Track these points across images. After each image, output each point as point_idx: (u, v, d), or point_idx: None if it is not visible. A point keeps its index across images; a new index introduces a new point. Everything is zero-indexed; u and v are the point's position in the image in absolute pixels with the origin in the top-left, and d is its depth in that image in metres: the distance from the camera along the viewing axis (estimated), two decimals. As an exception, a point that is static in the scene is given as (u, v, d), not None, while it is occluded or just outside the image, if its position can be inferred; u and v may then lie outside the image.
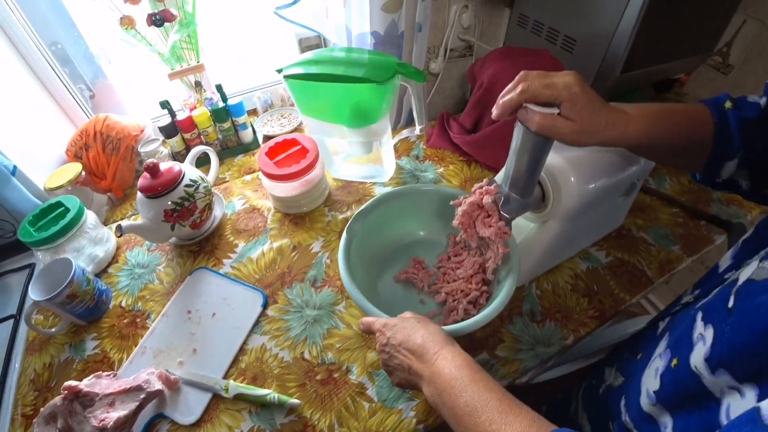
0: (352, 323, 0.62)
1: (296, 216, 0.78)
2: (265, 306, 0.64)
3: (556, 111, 0.40)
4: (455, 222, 0.56)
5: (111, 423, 0.49)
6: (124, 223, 0.63)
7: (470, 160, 0.88)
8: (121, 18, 0.74)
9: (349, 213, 0.78)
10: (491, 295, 0.60)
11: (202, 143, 0.93)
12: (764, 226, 0.40)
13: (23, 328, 0.65)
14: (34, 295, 0.57)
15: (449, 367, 0.38)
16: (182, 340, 0.61)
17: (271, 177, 0.72)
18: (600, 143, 0.42)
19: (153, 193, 0.64)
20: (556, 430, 0.30)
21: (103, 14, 0.75)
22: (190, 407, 0.55)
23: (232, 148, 0.96)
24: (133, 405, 0.51)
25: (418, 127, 0.76)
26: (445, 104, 1.08)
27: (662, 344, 0.38)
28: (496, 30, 0.96)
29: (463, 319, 0.58)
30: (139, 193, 0.66)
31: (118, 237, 0.61)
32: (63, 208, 0.67)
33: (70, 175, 0.75)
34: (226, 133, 0.94)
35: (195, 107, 0.90)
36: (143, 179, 0.65)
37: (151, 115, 0.97)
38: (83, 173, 0.78)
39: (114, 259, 0.73)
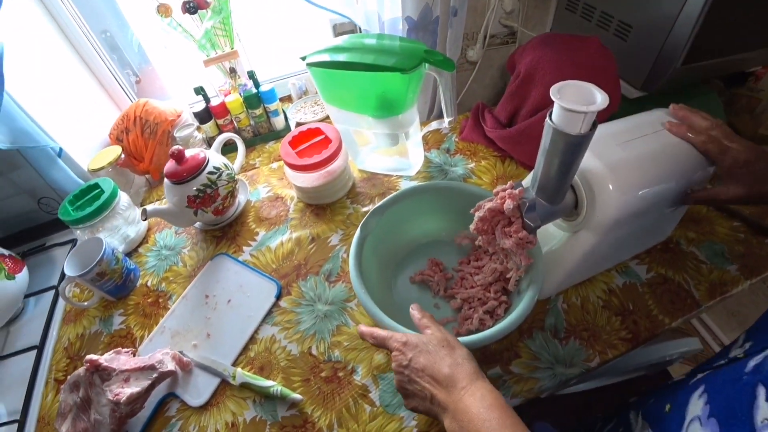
0: (362, 322, 0.61)
1: (318, 207, 0.78)
2: (278, 297, 0.65)
3: None
4: (472, 227, 0.52)
5: (124, 398, 0.51)
6: (150, 207, 0.65)
7: (505, 155, 0.82)
8: (158, 6, 0.76)
9: (371, 206, 0.76)
10: (510, 305, 0.56)
11: (234, 129, 0.95)
12: None
13: (63, 299, 0.71)
14: (68, 270, 0.62)
15: (478, 406, 0.35)
16: (198, 323, 0.63)
17: (293, 167, 0.71)
18: None
19: (178, 178, 0.66)
20: None
21: (145, 3, 0.77)
22: (199, 390, 0.56)
23: (264, 134, 0.97)
24: (146, 383, 0.53)
25: (446, 120, 0.72)
26: (484, 95, 1.01)
27: (698, 403, 0.33)
28: (543, 15, 0.88)
29: (477, 329, 0.55)
30: (165, 179, 0.68)
31: (144, 219, 0.63)
32: (99, 189, 0.71)
33: (110, 158, 0.80)
34: (258, 120, 0.95)
35: (229, 93, 0.91)
36: (169, 164, 0.67)
37: (188, 101, 1.00)
38: (123, 156, 0.82)
39: (145, 240, 0.77)
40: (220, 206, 0.71)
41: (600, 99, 0.38)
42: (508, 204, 0.48)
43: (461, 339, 0.47)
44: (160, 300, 0.67)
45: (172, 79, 1.02)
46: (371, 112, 0.70)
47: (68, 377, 0.55)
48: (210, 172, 0.68)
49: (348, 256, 0.69)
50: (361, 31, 0.94)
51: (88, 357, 0.53)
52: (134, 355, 0.60)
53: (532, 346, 0.57)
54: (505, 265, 0.56)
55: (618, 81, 0.64)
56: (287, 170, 0.75)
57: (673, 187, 0.50)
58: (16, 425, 0.57)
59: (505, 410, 0.35)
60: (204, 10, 0.78)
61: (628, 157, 0.49)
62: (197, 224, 0.76)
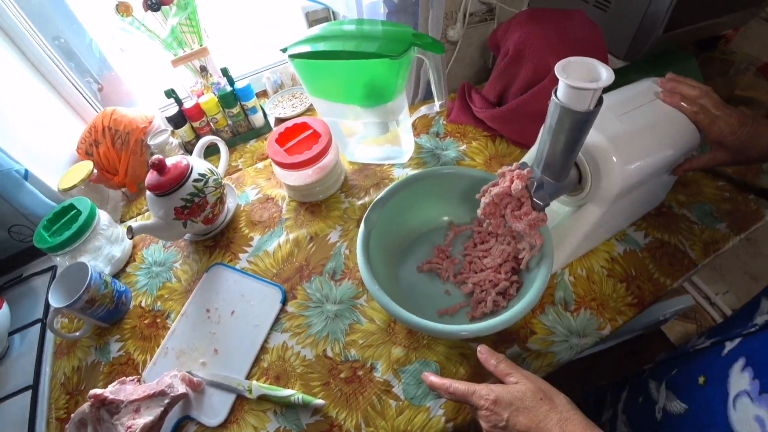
0: (374, 317, 0.60)
1: (312, 204, 0.75)
2: (284, 302, 0.62)
3: None
4: (479, 212, 0.51)
5: (138, 429, 0.48)
6: (135, 223, 0.61)
7: (495, 135, 0.82)
8: (117, 5, 0.70)
9: (367, 198, 0.74)
10: (522, 284, 0.56)
11: (211, 131, 0.90)
12: None
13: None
14: (54, 301, 0.57)
15: None
16: (203, 340, 0.60)
17: (283, 166, 0.68)
18: None
19: (161, 190, 0.62)
20: None
21: (100, 2, 0.71)
22: (215, 409, 0.54)
23: (244, 133, 0.93)
24: (158, 410, 0.51)
25: (437, 103, 0.71)
26: (465, 74, 1.00)
27: (743, 377, 0.32)
28: (520, -11, 0.87)
29: (492, 311, 0.55)
30: (147, 192, 0.63)
31: (130, 239, 0.59)
32: (75, 210, 0.66)
33: (81, 174, 0.74)
34: (236, 119, 0.90)
35: (202, 94, 0.86)
36: (150, 176, 0.63)
37: (159, 105, 0.94)
38: (95, 171, 0.77)
39: (131, 258, 0.72)
40: (210, 214, 0.67)
41: (605, 74, 0.38)
42: (517, 184, 0.47)
43: (481, 326, 0.46)
44: (158, 320, 0.64)
45: (138, 83, 0.95)
46: (359, 101, 0.67)
47: (72, 415, 0.51)
48: (195, 180, 0.64)
49: (351, 252, 0.68)
50: (335, 18, 0.91)
51: (92, 392, 0.50)
52: (140, 383, 0.56)
53: (546, 322, 0.57)
54: (514, 246, 0.56)
55: (606, 53, 0.65)
56: (277, 169, 0.72)
57: (672, 154, 0.52)
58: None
59: None
60: (167, 6, 0.72)
61: (627, 128, 0.50)
62: (186, 236, 0.72)
